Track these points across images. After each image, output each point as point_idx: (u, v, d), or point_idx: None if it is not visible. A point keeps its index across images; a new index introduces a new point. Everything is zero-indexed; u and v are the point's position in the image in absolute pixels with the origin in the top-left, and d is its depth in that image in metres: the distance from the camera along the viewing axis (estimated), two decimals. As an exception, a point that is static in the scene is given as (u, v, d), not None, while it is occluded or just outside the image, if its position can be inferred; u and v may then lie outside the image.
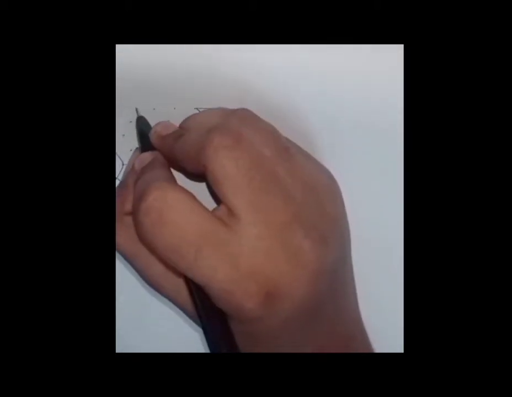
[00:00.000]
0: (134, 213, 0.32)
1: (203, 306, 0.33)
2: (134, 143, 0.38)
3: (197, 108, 0.37)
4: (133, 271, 0.39)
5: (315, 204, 0.33)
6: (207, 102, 0.37)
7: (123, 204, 0.35)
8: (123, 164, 0.40)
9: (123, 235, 0.35)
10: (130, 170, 0.36)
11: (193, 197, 0.32)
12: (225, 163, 0.31)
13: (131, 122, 0.38)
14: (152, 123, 0.38)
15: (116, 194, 0.36)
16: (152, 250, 0.33)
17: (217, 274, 0.31)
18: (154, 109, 0.38)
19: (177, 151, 0.34)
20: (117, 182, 0.39)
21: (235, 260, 0.31)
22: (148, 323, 0.41)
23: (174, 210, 0.31)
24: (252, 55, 0.36)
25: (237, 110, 0.35)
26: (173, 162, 0.35)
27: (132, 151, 0.38)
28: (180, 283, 0.34)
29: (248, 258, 0.31)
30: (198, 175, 0.33)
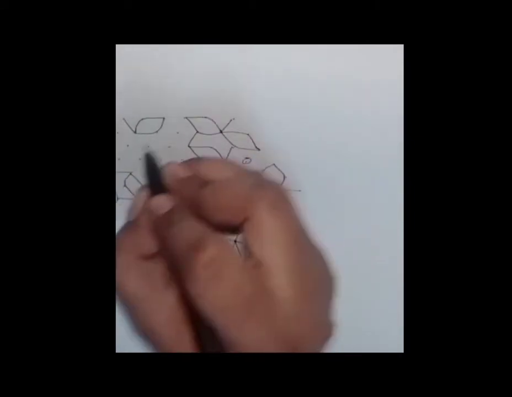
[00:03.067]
0: (188, 264, 0.32)
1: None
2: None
3: (187, 118, 0.37)
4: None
5: (325, 275, 0.34)
6: (197, 112, 0.37)
7: (139, 246, 0.34)
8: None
9: (137, 278, 0.34)
10: (143, 211, 0.35)
11: (239, 255, 0.32)
12: (276, 222, 0.32)
13: (128, 146, 0.38)
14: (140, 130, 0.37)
15: (128, 233, 0.35)
16: (198, 302, 0.32)
17: (259, 336, 0.31)
18: (142, 119, 0.37)
19: (207, 199, 0.34)
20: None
21: (273, 323, 0.31)
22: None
23: (232, 267, 0.31)
24: (248, 56, 0.35)
25: (253, 172, 0.35)
26: (192, 207, 0.35)
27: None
28: (181, 333, 0.34)
29: (282, 320, 0.32)
30: (221, 224, 0.33)
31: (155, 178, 0.36)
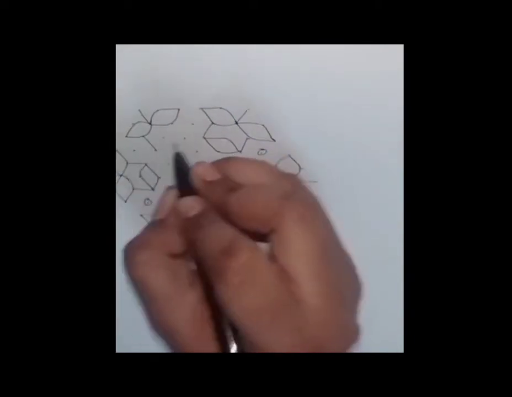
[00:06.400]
0: (218, 269, 0.32)
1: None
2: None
3: (202, 109, 0.37)
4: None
5: (352, 282, 0.35)
6: (212, 103, 0.37)
7: (166, 245, 0.35)
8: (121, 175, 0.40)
9: (163, 276, 0.34)
10: (171, 210, 0.35)
11: (268, 260, 0.32)
12: (304, 235, 0.32)
13: (143, 136, 0.38)
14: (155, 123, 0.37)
15: (156, 231, 0.35)
16: (226, 306, 0.32)
17: (284, 340, 0.32)
18: (157, 111, 0.37)
19: (233, 205, 0.34)
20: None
21: (300, 328, 0.32)
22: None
23: (261, 273, 0.32)
24: (251, 55, 0.36)
25: (289, 175, 0.36)
26: (219, 211, 0.35)
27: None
28: (201, 333, 0.34)
29: (308, 326, 0.32)
30: (248, 231, 0.33)
31: (183, 179, 0.36)
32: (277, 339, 0.32)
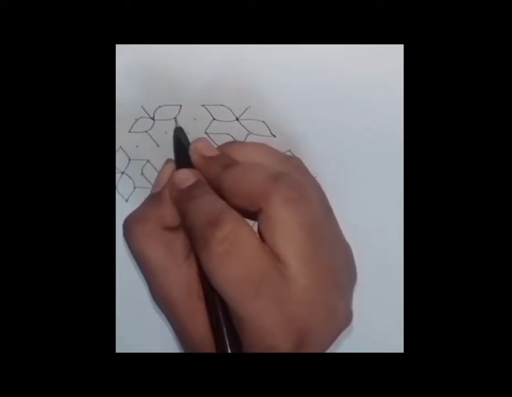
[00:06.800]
0: (204, 238, 0.32)
1: (222, 337, 0.34)
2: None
3: (203, 105, 0.37)
4: (134, 271, 0.39)
5: (345, 267, 0.35)
6: (214, 100, 0.37)
7: (162, 217, 0.35)
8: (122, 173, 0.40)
9: (159, 248, 0.35)
10: (168, 183, 0.36)
11: (257, 234, 0.33)
12: (289, 216, 0.32)
13: (146, 132, 0.38)
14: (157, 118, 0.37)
15: (152, 204, 0.35)
16: (211, 275, 0.32)
17: (268, 315, 0.32)
18: (159, 107, 0.38)
19: (226, 182, 0.34)
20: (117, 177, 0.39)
21: (284, 305, 0.32)
22: (148, 323, 0.41)
23: (246, 245, 0.32)
24: (251, 55, 0.36)
25: (292, 158, 0.36)
26: (212, 187, 0.35)
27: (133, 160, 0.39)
28: (198, 306, 0.35)
29: (294, 305, 0.32)
30: (238, 208, 0.33)
31: (182, 154, 0.36)
32: (260, 313, 0.32)
